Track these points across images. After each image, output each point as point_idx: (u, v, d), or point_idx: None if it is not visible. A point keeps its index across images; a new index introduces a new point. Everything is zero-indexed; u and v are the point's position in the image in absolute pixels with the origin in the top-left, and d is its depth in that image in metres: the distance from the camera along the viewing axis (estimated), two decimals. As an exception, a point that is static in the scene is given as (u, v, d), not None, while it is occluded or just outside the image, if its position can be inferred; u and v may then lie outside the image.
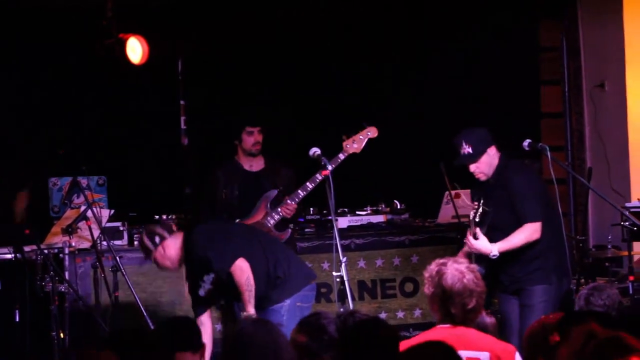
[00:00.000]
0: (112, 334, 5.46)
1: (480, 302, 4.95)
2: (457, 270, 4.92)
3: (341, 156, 7.88)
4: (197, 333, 5.04)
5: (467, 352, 4.48)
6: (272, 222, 8.05)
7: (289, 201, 8.02)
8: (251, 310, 6.83)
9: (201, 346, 4.94)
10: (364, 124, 8.01)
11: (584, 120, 10.56)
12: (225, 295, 7.14)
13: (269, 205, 8.09)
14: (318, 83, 10.41)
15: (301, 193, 7.99)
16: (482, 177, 7.08)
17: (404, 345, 4.24)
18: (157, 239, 6.96)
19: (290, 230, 8.34)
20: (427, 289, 5.00)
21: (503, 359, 4.84)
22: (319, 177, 7.72)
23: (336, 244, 6.72)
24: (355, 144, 7.96)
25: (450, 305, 4.89)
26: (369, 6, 10.13)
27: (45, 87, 9.71)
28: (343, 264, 6.64)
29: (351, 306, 6.61)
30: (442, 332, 4.78)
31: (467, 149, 7.02)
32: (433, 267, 5.01)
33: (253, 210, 8.09)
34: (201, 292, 7.04)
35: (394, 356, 4.14)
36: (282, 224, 8.14)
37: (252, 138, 8.21)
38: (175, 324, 5.14)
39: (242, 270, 6.85)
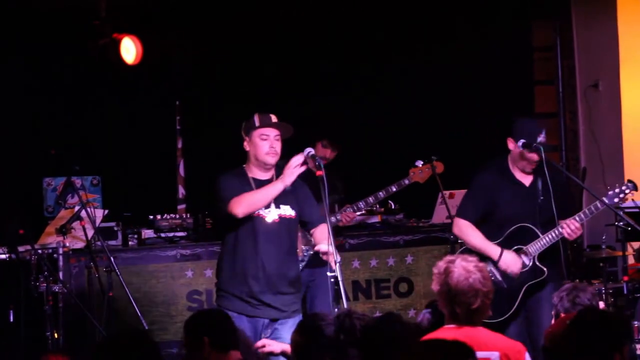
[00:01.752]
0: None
1: (487, 302, 4.84)
2: (464, 269, 4.83)
3: (406, 181, 8.29)
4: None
5: (478, 353, 4.43)
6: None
7: (349, 209, 8.10)
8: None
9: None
10: (433, 158, 8.33)
11: (578, 120, 10.56)
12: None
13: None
14: (318, 83, 10.39)
15: (362, 205, 8.15)
16: (532, 168, 7.11)
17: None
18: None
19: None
20: (435, 285, 4.92)
21: (512, 357, 4.80)
22: (381, 194, 8.24)
23: (330, 244, 6.70)
24: (422, 174, 8.30)
25: (455, 304, 4.82)
26: (368, 8, 10.12)
27: (40, 87, 9.69)
28: (337, 264, 6.62)
29: (345, 306, 6.60)
30: (450, 333, 4.72)
31: (544, 139, 7.10)
32: (442, 264, 4.92)
33: None
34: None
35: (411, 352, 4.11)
36: (337, 230, 8.22)
37: (321, 151, 8.43)
38: (224, 322, 5.07)
39: None
